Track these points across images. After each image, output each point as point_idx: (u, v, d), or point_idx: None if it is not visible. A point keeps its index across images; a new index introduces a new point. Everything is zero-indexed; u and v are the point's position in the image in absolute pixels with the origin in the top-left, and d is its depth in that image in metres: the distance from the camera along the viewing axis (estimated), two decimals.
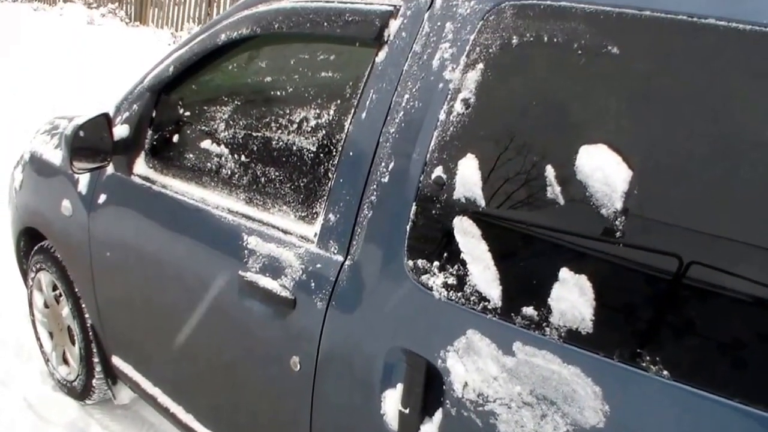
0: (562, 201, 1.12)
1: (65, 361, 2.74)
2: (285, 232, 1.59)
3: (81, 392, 2.62)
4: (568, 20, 1.16)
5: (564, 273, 1.09)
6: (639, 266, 1.07)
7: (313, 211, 1.54)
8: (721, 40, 1.01)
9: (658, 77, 1.09)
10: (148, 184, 2.01)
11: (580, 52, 1.14)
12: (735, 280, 0.97)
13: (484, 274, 1.20)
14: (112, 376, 2.47)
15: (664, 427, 0.99)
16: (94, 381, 2.53)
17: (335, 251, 1.46)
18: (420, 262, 1.29)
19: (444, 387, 1.22)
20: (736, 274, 0.97)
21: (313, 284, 1.47)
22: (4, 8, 13.87)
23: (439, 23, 1.36)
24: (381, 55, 1.45)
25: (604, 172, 1.06)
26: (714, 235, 1.01)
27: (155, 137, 2.07)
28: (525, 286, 1.17)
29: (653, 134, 1.06)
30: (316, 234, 1.51)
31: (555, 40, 1.17)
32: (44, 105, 6.55)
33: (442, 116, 1.29)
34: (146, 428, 2.58)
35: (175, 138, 2.02)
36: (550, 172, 1.13)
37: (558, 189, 1.12)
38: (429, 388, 1.24)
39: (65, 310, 2.57)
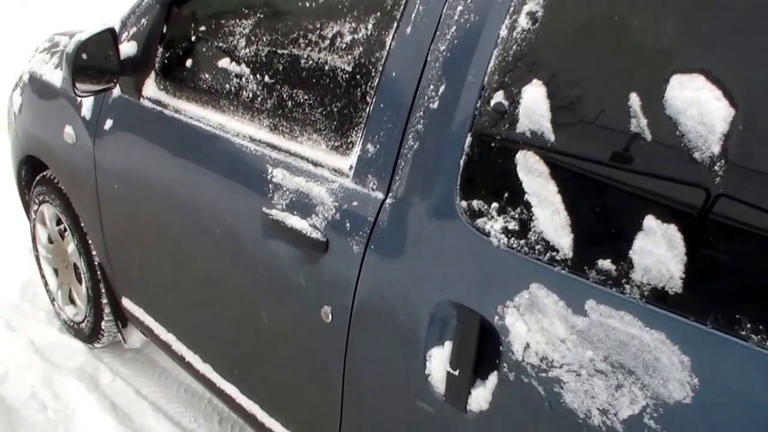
0: (648, 138, 0.93)
1: (72, 301, 2.61)
2: (315, 164, 1.41)
3: (89, 335, 2.50)
4: None
5: (649, 222, 0.92)
6: (741, 219, 0.88)
7: (348, 141, 1.36)
8: None
9: None
10: (159, 108, 1.84)
11: None
12: None
13: (552, 220, 1.03)
14: (122, 318, 2.34)
15: (764, 407, 0.83)
16: (103, 323, 2.40)
17: (374, 187, 1.29)
18: (475, 203, 1.12)
19: (501, 348, 1.07)
20: None
21: (348, 225, 1.31)
22: None
23: None
24: None
25: (700, 108, 0.87)
26: None
27: (167, 55, 1.88)
28: (601, 235, 1.00)
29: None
30: (351, 167, 1.33)
31: None
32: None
33: (503, 32, 1.10)
34: (158, 373, 2.48)
35: (190, 56, 1.81)
36: (634, 102, 0.94)
37: (644, 123, 0.93)
38: (482, 348, 1.09)
39: (71, 246, 2.42)
